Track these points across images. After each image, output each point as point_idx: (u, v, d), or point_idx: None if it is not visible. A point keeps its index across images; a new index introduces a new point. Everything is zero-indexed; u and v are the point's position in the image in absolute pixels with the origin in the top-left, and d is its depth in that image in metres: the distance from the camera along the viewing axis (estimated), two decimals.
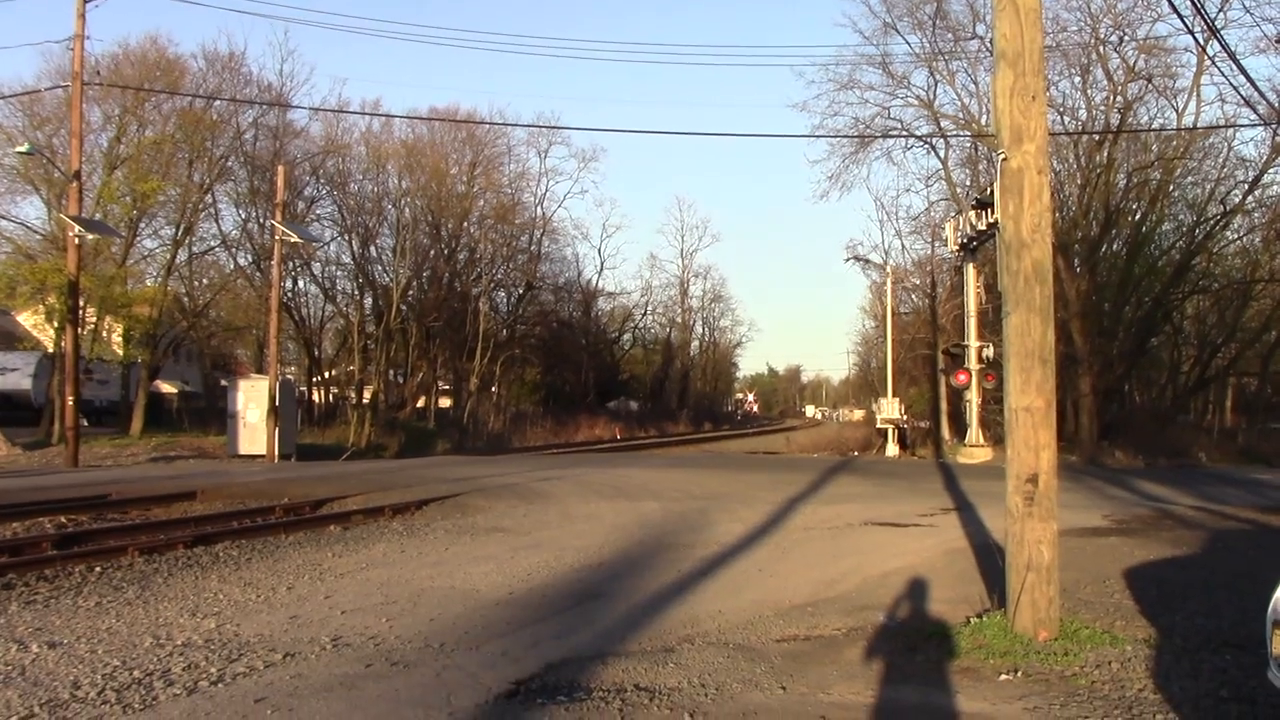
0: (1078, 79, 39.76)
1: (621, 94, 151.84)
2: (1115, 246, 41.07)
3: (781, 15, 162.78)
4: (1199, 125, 38.33)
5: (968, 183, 40.90)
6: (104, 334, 41.69)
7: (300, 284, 51.98)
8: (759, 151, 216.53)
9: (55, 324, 36.13)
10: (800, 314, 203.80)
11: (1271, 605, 5.72)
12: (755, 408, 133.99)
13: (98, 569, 11.29)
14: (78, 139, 29.03)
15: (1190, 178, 40.64)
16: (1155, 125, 39.85)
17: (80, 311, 31.19)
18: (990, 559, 10.53)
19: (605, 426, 66.28)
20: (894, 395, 43.56)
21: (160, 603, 9.36)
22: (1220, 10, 34.07)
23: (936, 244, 45.00)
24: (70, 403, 27.55)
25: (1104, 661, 7.19)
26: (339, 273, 54.66)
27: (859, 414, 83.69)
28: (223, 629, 8.28)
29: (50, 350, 41.44)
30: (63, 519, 15.97)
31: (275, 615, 8.84)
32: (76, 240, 28.13)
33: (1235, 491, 21.53)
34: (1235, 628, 8.11)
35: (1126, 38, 37.44)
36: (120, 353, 42.57)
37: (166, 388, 56.13)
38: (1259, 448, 37.67)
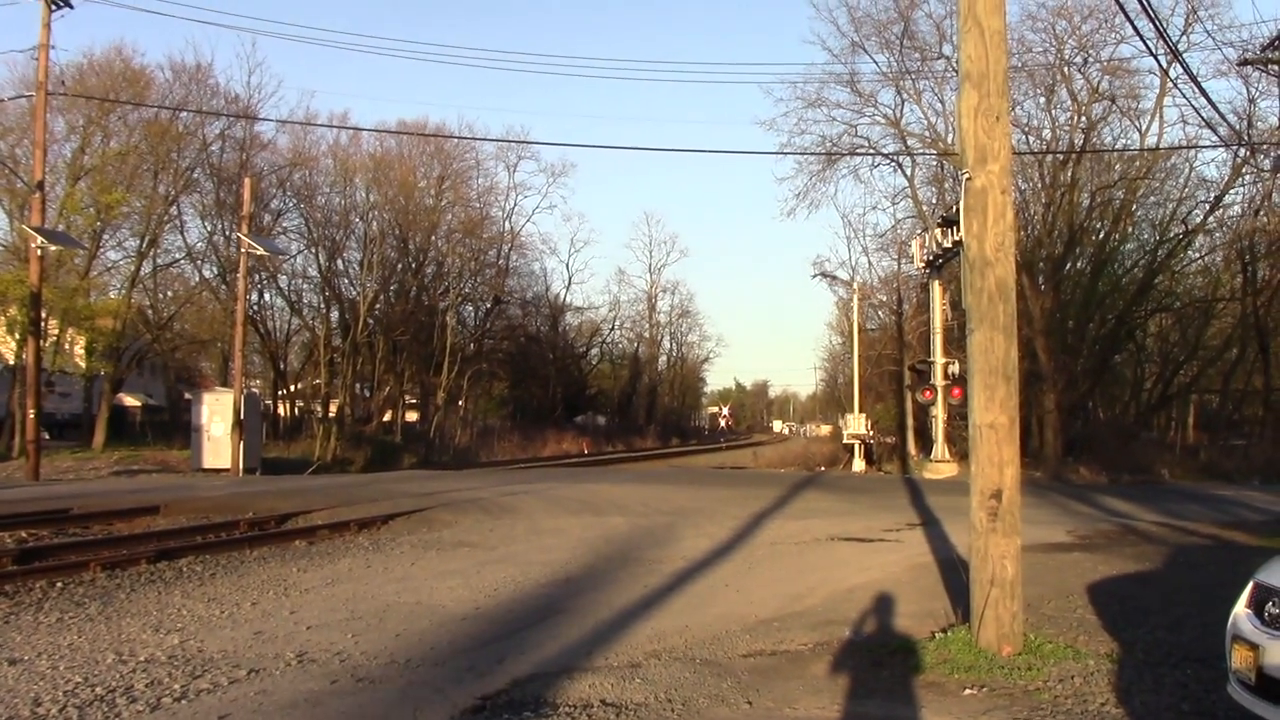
0: (1043, 99, 40.31)
1: (591, 109, 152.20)
2: (1079, 265, 41.51)
3: (750, 33, 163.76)
4: (1162, 146, 38.94)
5: (934, 201, 41.26)
6: (66, 346, 41.33)
7: (266, 297, 51.82)
8: (727, 168, 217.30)
9: (16, 336, 35.78)
10: (768, 330, 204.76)
11: (1231, 620, 5.81)
12: (730, 422, 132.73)
13: (59, 584, 11.17)
14: (41, 149, 28.79)
15: (1153, 197, 41.22)
16: (1119, 146, 40.46)
17: (42, 323, 30.88)
18: (955, 574, 10.60)
19: (573, 441, 66.21)
20: (861, 411, 43.77)
21: (123, 619, 9.27)
22: (1183, 34, 34.71)
23: (903, 261, 45.32)
24: (32, 416, 27.23)
25: (1067, 676, 7.25)
26: (305, 286, 54.54)
27: (826, 429, 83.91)
28: (186, 645, 8.21)
29: (11, 363, 40.99)
30: (23, 534, 15.77)
31: (239, 631, 8.77)
32: (39, 251, 27.86)
33: (1197, 507, 21.75)
34: (1196, 642, 8.20)
35: (1091, 59, 38.02)
36: (83, 365, 42.21)
37: (130, 401, 55.64)
38: (1220, 464, 38.01)
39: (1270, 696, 5.28)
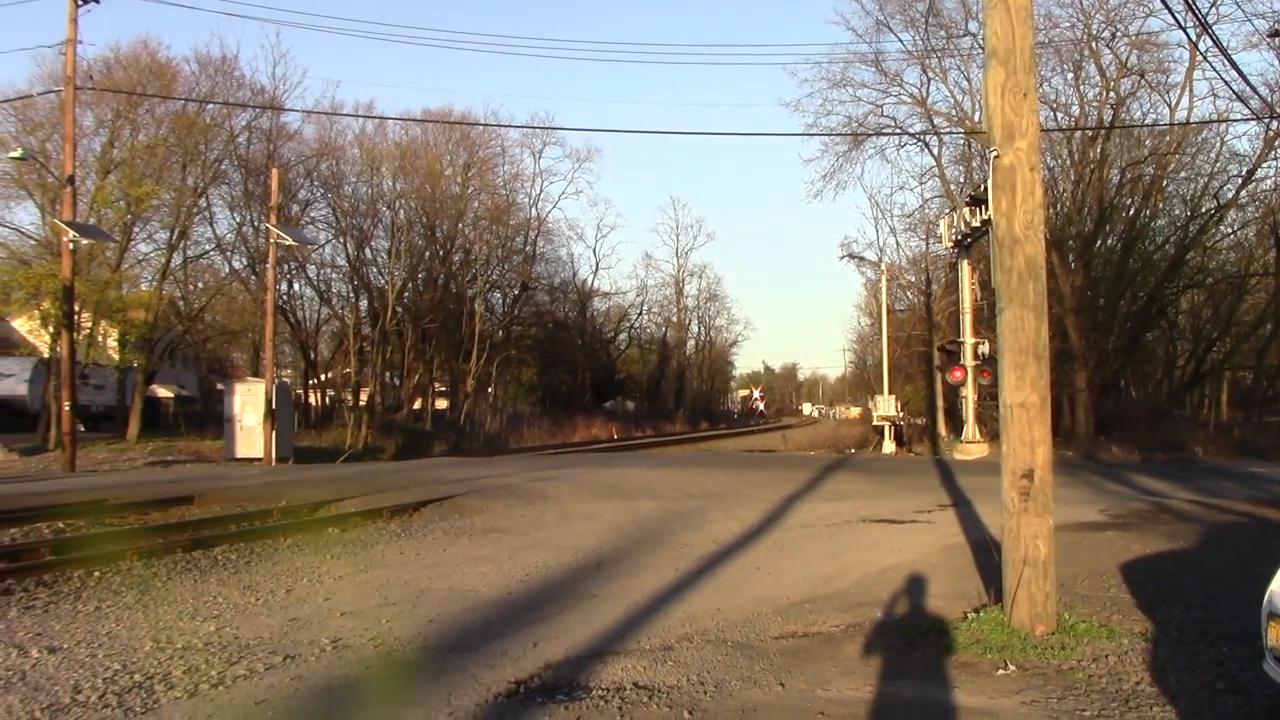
0: (1070, 75, 39.91)
1: (615, 94, 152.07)
2: (1110, 242, 41.16)
3: (773, 14, 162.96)
4: (1192, 120, 38.51)
5: (961, 179, 40.99)
6: (99, 339, 41.68)
7: (295, 287, 52.09)
8: (753, 150, 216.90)
9: (50, 329, 36.08)
10: (796, 312, 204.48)
11: (1266, 598, 5.76)
12: (764, 405, 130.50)
13: (96, 574, 11.28)
14: (71, 144, 29.00)
15: (1184, 173, 40.79)
16: (1148, 121, 39.98)
17: (75, 316, 31.14)
18: (987, 554, 10.56)
19: (602, 426, 66.30)
20: (890, 392, 43.63)
21: (159, 606, 9.37)
22: (1212, 5, 34.20)
23: (931, 241, 45.16)
24: (67, 408, 27.52)
25: (1101, 655, 7.22)
26: (334, 275, 54.74)
27: (855, 411, 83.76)
28: (222, 632, 8.29)
29: (46, 356, 41.37)
30: (60, 524, 15.94)
31: (274, 618, 8.85)
32: (71, 245, 28.08)
33: (1231, 485, 21.58)
34: (1231, 620, 8.15)
35: (1119, 34, 37.59)
36: (116, 357, 42.58)
37: (163, 392, 56.11)
38: (1255, 441, 37.71)
39: None
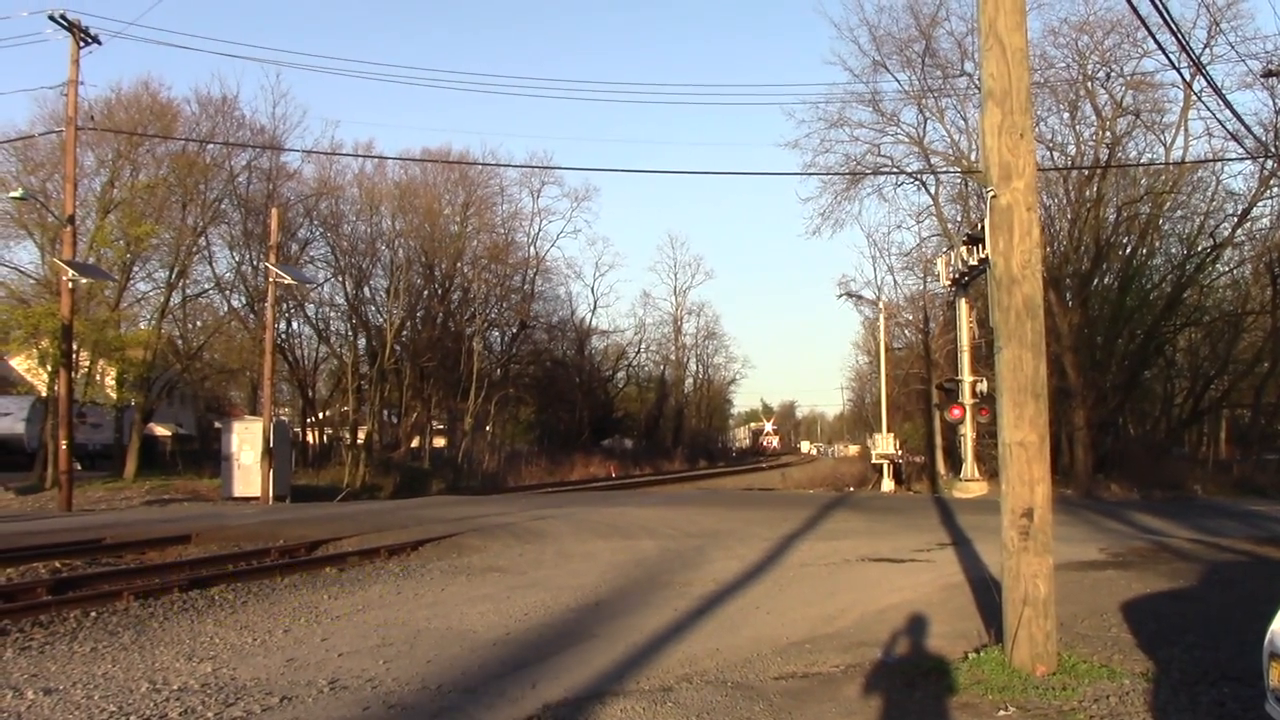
0: (1066, 115, 40.11)
1: (614, 133, 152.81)
2: (1106, 280, 41.25)
3: (771, 54, 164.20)
4: (1187, 160, 38.67)
5: (959, 218, 41.08)
6: (97, 377, 41.66)
7: (294, 325, 52.19)
8: (751, 189, 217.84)
9: (49, 368, 36.02)
10: (794, 350, 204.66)
11: (1268, 638, 5.74)
12: (776, 441, 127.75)
13: (93, 614, 11.24)
14: (71, 183, 29.13)
15: (1179, 211, 40.94)
16: (1144, 160, 40.19)
17: (74, 355, 31.14)
18: (987, 594, 10.53)
19: (600, 465, 66.16)
20: (889, 430, 43.55)
21: (156, 647, 9.32)
22: (1205, 46, 34.53)
23: (929, 279, 45.19)
24: (64, 446, 27.46)
25: (1102, 695, 7.18)
26: (333, 314, 54.86)
27: (854, 449, 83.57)
28: (219, 673, 8.24)
29: (44, 394, 41.35)
30: (57, 564, 15.88)
31: (272, 658, 8.80)
32: (70, 284, 28.14)
33: (1231, 523, 21.53)
34: (1233, 660, 8.12)
35: (1114, 74, 37.83)
36: (114, 396, 42.51)
37: (160, 430, 56.00)
38: (1254, 479, 37.65)
39: None
